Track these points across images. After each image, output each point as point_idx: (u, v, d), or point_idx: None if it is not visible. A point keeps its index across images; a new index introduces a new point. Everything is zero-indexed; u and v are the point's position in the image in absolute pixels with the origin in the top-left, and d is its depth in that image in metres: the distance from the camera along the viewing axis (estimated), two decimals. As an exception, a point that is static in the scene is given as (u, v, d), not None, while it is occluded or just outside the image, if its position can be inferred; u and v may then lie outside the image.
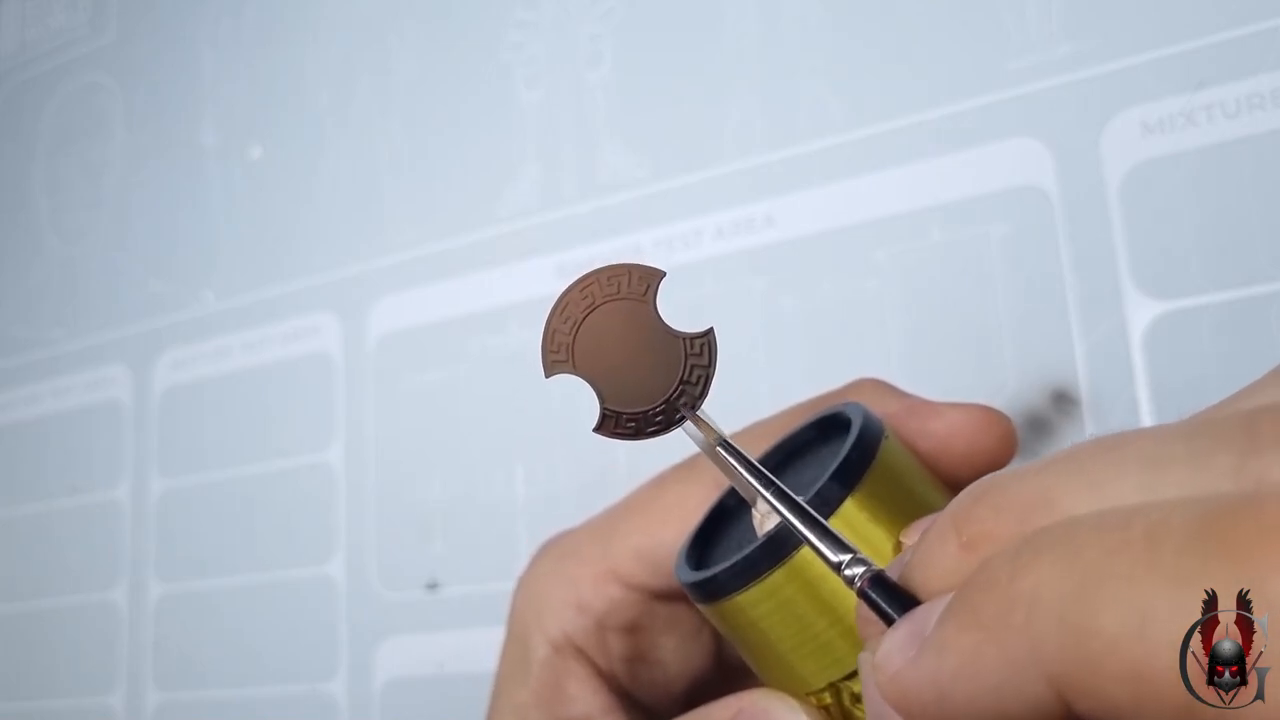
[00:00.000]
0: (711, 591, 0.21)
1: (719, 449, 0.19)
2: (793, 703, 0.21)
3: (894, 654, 0.16)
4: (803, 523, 0.18)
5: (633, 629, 0.26)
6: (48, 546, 0.52)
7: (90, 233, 0.54)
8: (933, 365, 0.34)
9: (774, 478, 0.19)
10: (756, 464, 0.19)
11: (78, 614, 0.50)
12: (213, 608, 0.46)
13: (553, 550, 0.27)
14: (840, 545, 0.18)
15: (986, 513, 0.16)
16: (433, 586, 0.41)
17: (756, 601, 0.20)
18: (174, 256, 0.51)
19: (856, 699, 0.21)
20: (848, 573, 0.17)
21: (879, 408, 0.24)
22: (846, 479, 0.20)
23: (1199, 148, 0.31)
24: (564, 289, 0.20)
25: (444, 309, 0.43)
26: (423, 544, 0.42)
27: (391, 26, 0.47)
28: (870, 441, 0.21)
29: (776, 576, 0.20)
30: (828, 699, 0.21)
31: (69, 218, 0.55)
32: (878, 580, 0.17)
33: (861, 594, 0.17)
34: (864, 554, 0.18)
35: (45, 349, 0.55)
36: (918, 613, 0.16)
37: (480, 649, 0.39)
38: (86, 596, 0.50)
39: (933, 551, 0.17)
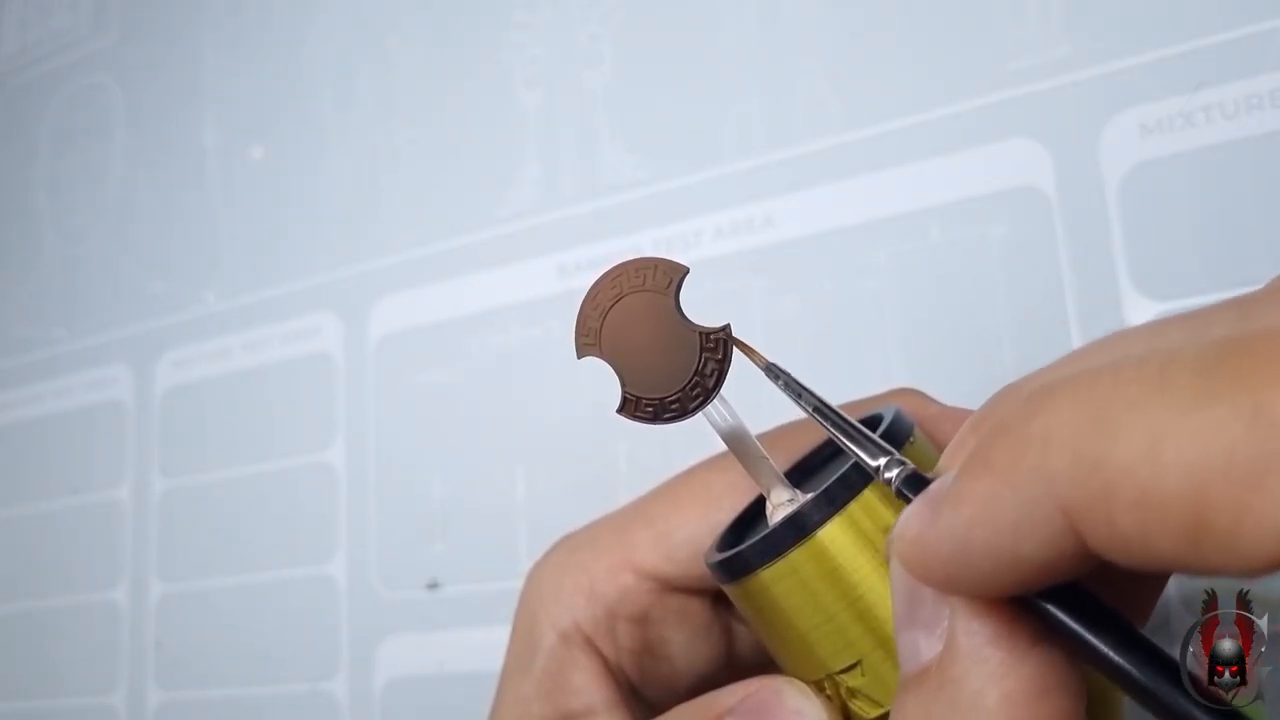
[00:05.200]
0: (737, 568, 0.22)
1: (736, 433, 0.21)
2: (803, 687, 0.22)
3: (913, 520, 0.16)
4: (841, 427, 0.19)
5: (643, 620, 0.26)
6: (49, 546, 0.52)
7: (92, 233, 0.54)
8: (932, 365, 0.34)
9: (816, 394, 0.20)
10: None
11: (79, 614, 0.50)
12: (214, 607, 0.46)
13: (567, 542, 0.27)
14: (879, 449, 0.18)
15: (1004, 404, 0.16)
16: (433, 586, 0.41)
17: (778, 579, 0.21)
18: (175, 257, 0.51)
19: (853, 693, 0.21)
20: (886, 475, 0.18)
21: (916, 413, 0.24)
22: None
23: (1197, 149, 0.31)
24: (598, 277, 0.21)
25: (444, 309, 0.43)
26: (423, 544, 0.42)
27: (391, 26, 0.47)
28: (897, 435, 0.22)
29: (797, 554, 0.21)
30: (829, 687, 0.21)
31: (70, 218, 0.55)
32: (913, 479, 0.17)
33: (898, 493, 0.18)
34: (901, 455, 0.18)
35: (47, 349, 0.55)
36: (935, 484, 0.16)
37: (481, 648, 0.39)
38: (88, 596, 0.50)
39: (957, 447, 0.17)
